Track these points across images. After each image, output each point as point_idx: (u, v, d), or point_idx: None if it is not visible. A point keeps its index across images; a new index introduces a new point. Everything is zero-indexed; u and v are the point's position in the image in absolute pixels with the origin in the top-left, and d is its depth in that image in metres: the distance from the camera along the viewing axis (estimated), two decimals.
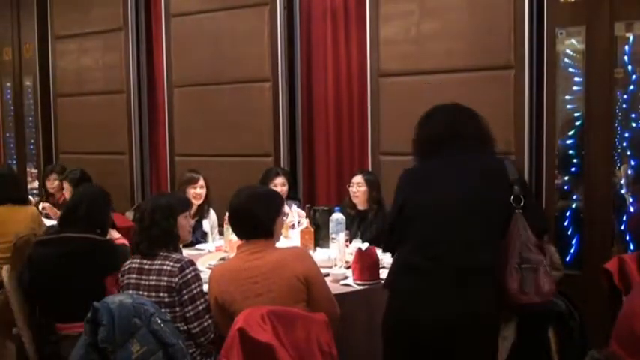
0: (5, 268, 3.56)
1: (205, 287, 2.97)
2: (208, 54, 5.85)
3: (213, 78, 5.85)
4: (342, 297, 3.07)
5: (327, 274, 3.39)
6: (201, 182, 4.69)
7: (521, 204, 2.40)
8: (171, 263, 2.96)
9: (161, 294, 2.92)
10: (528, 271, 2.36)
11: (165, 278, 2.92)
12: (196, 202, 4.58)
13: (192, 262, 3.00)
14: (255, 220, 2.82)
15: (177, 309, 2.93)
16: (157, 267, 2.96)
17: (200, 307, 2.94)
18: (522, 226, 2.39)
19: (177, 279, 2.91)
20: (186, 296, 2.92)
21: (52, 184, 6.01)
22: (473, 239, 2.39)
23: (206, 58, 5.87)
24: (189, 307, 2.92)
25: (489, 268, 2.39)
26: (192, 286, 2.94)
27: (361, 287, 3.34)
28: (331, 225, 4.05)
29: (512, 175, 2.46)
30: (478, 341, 2.40)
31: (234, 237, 4.18)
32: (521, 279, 2.36)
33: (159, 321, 2.68)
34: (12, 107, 7.50)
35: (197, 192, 4.64)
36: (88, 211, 3.44)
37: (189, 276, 2.94)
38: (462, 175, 2.47)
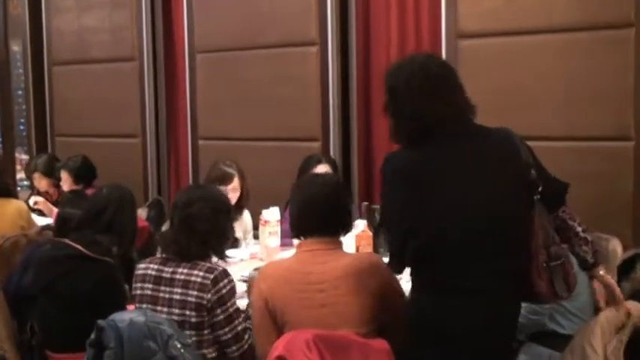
0: None
1: (239, 302, 3.01)
2: (239, 11, 5.87)
3: (245, 41, 5.87)
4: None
5: None
6: (236, 182, 4.62)
7: (539, 189, 2.60)
8: (202, 273, 2.99)
9: (187, 312, 2.96)
10: (557, 269, 2.59)
11: (195, 293, 2.96)
12: None
13: (226, 273, 3.04)
14: (339, 212, 2.92)
15: (206, 332, 2.97)
16: (184, 277, 3.00)
17: (239, 328, 3.00)
18: (544, 215, 2.61)
19: (209, 295, 2.95)
20: (221, 316, 2.97)
21: (39, 182, 6.10)
22: (502, 252, 2.56)
23: (236, 17, 5.89)
24: (227, 329, 2.98)
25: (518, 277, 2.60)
26: (229, 304, 2.99)
27: None
28: None
29: (524, 154, 2.61)
30: None
31: (271, 242, 4.24)
32: (550, 278, 2.58)
33: (178, 345, 2.70)
34: None
35: (229, 196, 4.57)
36: (114, 219, 3.55)
37: (225, 291, 2.99)
38: (476, 171, 2.57)
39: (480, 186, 2.56)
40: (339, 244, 2.94)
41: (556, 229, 2.67)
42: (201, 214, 3.11)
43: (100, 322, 2.68)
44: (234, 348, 2.99)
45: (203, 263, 3.03)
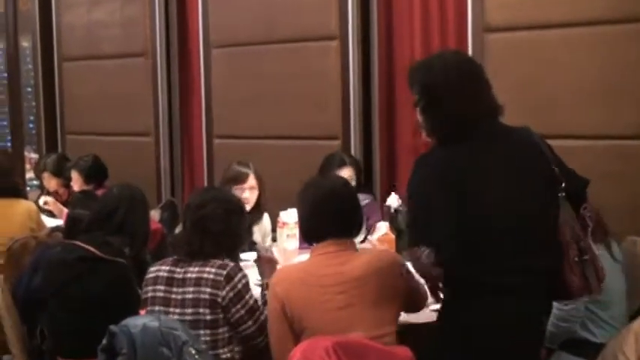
0: None
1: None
2: (256, 4, 5.88)
3: (262, 35, 5.87)
4: (431, 326, 3.05)
5: None
6: (251, 181, 4.60)
7: (562, 185, 2.70)
8: (214, 270, 3.03)
9: (201, 310, 3.00)
10: (588, 263, 2.69)
11: (208, 290, 3.00)
12: None
13: (238, 267, 3.11)
14: (351, 213, 2.98)
15: (222, 330, 3.01)
16: (195, 275, 3.04)
17: (262, 318, 3.05)
18: (568, 211, 2.70)
19: (224, 292, 3.00)
20: (242, 311, 3.02)
21: (48, 182, 6.14)
22: (533, 250, 2.66)
23: (254, 10, 5.90)
24: (250, 322, 3.04)
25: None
26: (247, 297, 3.04)
27: None
28: None
29: (546, 151, 2.73)
30: None
31: (289, 245, 4.24)
32: (583, 272, 2.67)
33: (193, 352, 2.71)
34: (5, 75, 7.71)
35: (244, 196, 4.51)
36: (125, 220, 3.56)
37: (240, 286, 3.04)
38: (506, 170, 2.68)
39: (509, 185, 2.66)
40: (354, 245, 2.99)
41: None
42: (214, 215, 3.16)
43: (113, 327, 2.69)
44: (260, 339, 3.05)
45: (215, 260, 3.07)
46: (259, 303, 3.16)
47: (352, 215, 3.00)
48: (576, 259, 2.67)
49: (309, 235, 3.02)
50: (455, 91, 2.70)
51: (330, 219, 2.95)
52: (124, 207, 3.61)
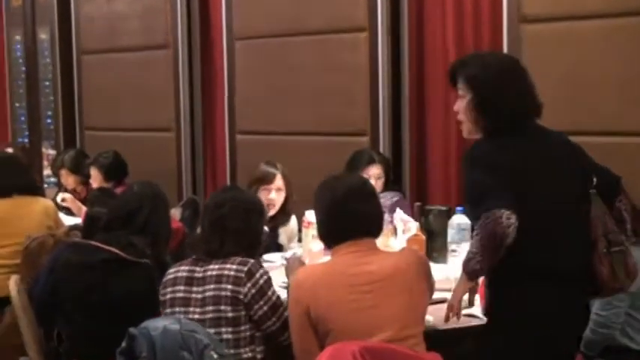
0: (13, 279, 3.69)
1: None
2: None
3: (288, 27, 5.88)
4: (463, 333, 3.09)
5: (444, 300, 3.36)
6: (279, 182, 4.58)
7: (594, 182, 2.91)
8: (234, 266, 3.06)
9: (222, 307, 3.02)
10: (618, 255, 2.84)
11: (230, 287, 3.02)
12: (270, 211, 4.51)
13: (259, 263, 3.16)
14: (371, 212, 3.00)
15: (244, 327, 3.03)
16: (216, 273, 3.07)
17: (285, 314, 3.05)
18: (599, 205, 2.89)
19: (245, 289, 3.02)
20: (266, 307, 3.04)
21: (66, 180, 6.17)
22: (572, 245, 2.87)
23: (278, 0, 5.91)
24: (274, 319, 3.06)
25: None
26: (269, 293, 3.07)
27: None
28: (451, 232, 4.02)
29: (578, 150, 2.99)
30: None
31: (315, 246, 4.22)
32: (611, 263, 2.83)
33: (215, 356, 2.72)
34: (23, 68, 7.75)
35: (271, 197, 4.54)
36: (148, 220, 3.56)
37: (262, 282, 3.06)
38: (551, 165, 2.89)
39: (554, 181, 2.87)
40: (375, 245, 3.01)
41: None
42: (233, 213, 3.20)
43: (132, 330, 2.70)
44: (284, 337, 3.05)
45: (235, 257, 3.10)
46: (285, 305, 3.16)
47: (371, 215, 3.01)
48: (605, 250, 2.82)
49: (327, 238, 3.04)
50: (507, 87, 2.92)
51: (347, 221, 2.96)
52: (147, 206, 3.60)
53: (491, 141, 2.92)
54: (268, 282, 3.09)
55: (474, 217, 2.87)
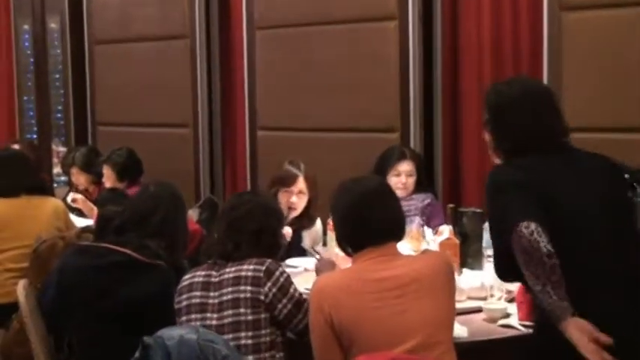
0: (21, 284, 3.72)
1: None
2: None
3: (312, 15, 5.89)
4: (500, 344, 3.08)
5: (479, 309, 3.36)
6: (300, 185, 4.59)
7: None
8: (252, 267, 3.09)
9: (242, 310, 3.04)
10: None
11: (249, 288, 3.05)
12: (291, 214, 4.56)
13: (277, 262, 3.19)
14: (390, 216, 3.00)
15: (265, 332, 3.04)
16: (233, 275, 3.09)
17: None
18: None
19: (266, 288, 3.05)
20: (290, 305, 3.07)
21: (77, 178, 6.18)
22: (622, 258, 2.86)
23: None
24: (300, 316, 3.09)
25: None
26: (291, 290, 3.10)
27: (530, 331, 3.25)
28: (486, 236, 3.98)
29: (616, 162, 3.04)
30: None
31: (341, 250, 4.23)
32: None
33: None
34: (32, 60, 7.78)
35: (292, 201, 4.56)
36: (164, 222, 3.57)
37: (282, 279, 3.10)
38: (587, 184, 2.91)
39: (590, 200, 2.88)
40: (397, 249, 3.02)
41: None
42: (250, 215, 3.24)
43: (146, 339, 2.71)
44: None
45: (250, 259, 3.12)
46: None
47: (388, 220, 3.01)
48: None
49: (346, 243, 3.04)
50: (517, 111, 2.96)
51: (363, 228, 2.97)
52: (164, 208, 3.61)
53: (506, 163, 2.98)
54: (288, 279, 3.12)
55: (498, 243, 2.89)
